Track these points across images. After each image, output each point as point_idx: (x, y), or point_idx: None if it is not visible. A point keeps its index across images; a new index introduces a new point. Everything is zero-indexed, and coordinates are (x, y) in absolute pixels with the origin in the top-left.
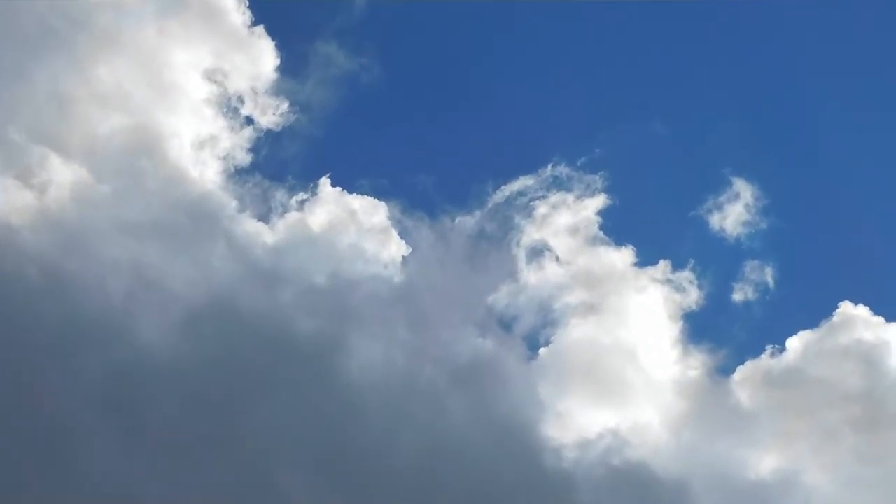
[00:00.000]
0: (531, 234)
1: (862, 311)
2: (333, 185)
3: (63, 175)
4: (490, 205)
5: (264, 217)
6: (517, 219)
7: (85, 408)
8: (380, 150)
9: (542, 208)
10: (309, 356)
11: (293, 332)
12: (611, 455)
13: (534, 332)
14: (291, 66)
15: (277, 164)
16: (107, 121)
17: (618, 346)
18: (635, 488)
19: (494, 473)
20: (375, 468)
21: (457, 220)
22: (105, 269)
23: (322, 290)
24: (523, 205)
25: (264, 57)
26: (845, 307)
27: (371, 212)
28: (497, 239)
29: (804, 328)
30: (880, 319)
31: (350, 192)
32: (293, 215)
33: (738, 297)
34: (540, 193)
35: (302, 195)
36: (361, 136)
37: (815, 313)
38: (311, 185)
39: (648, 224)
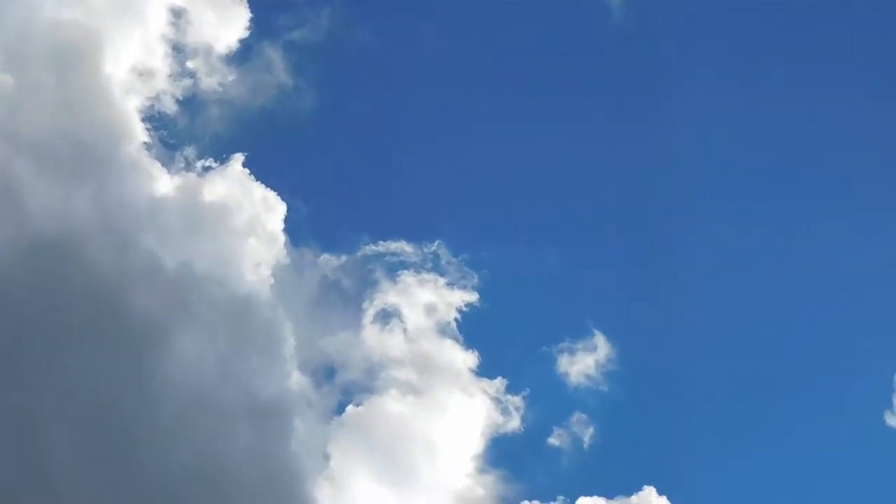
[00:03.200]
0: (388, 296)
1: (661, 502)
2: (245, 166)
3: None
4: (359, 254)
5: (166, 165)
6: (379, 277)
7: None
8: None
9: (409, 278)
10: (127, 331)
11: (123, 301)
12: None
13: (349, 389)
14: (253, 45)
15: (198, 127)
16: (46, 14)
17: (422, 436)
18: None
19: None
20: (144, 461)
21: (321, 257)
22: None
23: (169, 275)
24: (392, 266)
25: (235, 23)
26: (648, 493)
27: (269, 209)
28: (353, 289)
29: (599, 495)
30: None
31: (258, 179)
32: (191, 177)
33: (553, 441)
34: (413, 262)
35: (210, 161)
36: (281, 143)
37: (616, 486)
38: (224, 156)
39: (501, 340)
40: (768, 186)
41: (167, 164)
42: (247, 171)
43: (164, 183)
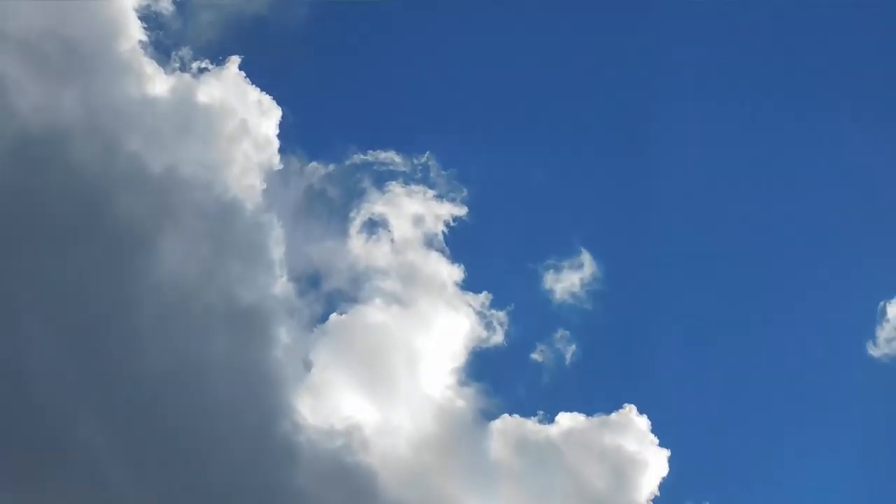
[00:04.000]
0: (377, 206)
1: (642, 422)
2: (241, 68)
3: None
4: (348, 163)
5: (161, 65)
6: (367, 186)
7: None
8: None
9: (397, 189)
10: (110, 233)
11: (108, 202)
12: (345, 453)
13: (334, 298)
14: None
15: (195, 29)
16: None
17: (405, 346)
18: (354, 493)
19: (226, 418)
20: (123, 363)
21: (310, 165)
22: None
23: (155, 178)
24: (381, 176)
25: None
26: (628, 411)
27: (264, 113)
28: (341, 197)
29: (579, 411)
30: (654, 438)
31: (254, 83)
32: (185, 78)
33: (536, 356)
34: (402, 172)
35: (206, 63)
36: (276, 48)
37: (596, 403)
38: (220, 58)
39: (488, 255)
40: (761, 106)
41: (162, 64)
42: (242, 73)
43: (158, 84)
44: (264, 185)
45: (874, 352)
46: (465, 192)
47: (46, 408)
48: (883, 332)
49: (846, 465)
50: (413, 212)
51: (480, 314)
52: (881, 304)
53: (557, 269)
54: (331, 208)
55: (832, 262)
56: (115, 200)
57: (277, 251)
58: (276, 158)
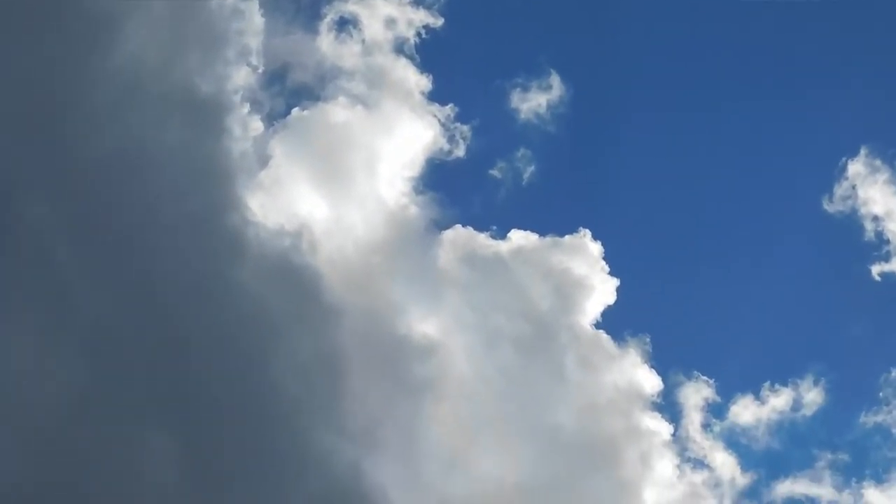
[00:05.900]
0: (349, 5)
1: (595, 248)
2: None
3: None
4: None
5: None
6: None
7: None
8: None
9: None
10: (76, 15)
11: None
12: (293, 253)
13: (297, 92)
14: None
15: None
16: None
17: (365, 149)
18: (297, 293)
19: (175, 206)
20: (76, 141)
21: None
22: None
23: None
24: None
25: None
26: (583, 235)
27: None
28: None
29: (533, 231)
30: (605, 266)
31: None
32: None
33: (495, 172)
34: None
35: None
36: None
37: (552, 224)
38: None
39: (458, 67)
40: None
41: None
42: None
43: None
44: None
45: (829, 207)
46: (441, 1)
47: None
48: (840, 189)
49: (790, 314)
50: (386, 14)
51: (444, 126)
52: (843, 160)
53: (525, 89)
54: (301, 3)
55: (801, 114)
56: None
57: (244, 42)
58: None
